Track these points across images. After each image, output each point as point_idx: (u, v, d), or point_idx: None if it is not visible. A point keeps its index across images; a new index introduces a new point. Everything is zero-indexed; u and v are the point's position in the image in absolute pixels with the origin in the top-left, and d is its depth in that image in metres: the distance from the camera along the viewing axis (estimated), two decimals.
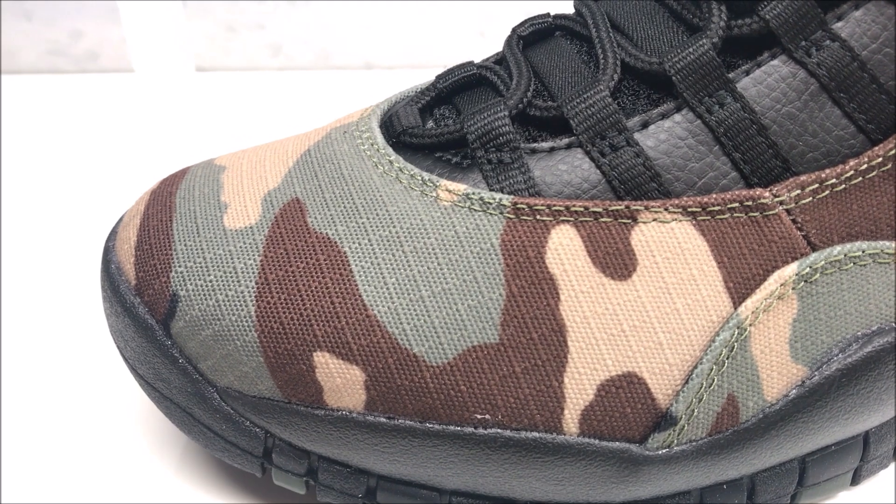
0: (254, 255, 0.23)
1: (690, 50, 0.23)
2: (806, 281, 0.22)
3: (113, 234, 0.26)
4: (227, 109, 0.52)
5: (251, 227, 0.24)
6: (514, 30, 0.27)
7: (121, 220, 0.26)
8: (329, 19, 0.54)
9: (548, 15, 0.27)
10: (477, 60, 0.27)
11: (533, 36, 0.27)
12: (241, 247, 0.23)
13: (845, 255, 0.23)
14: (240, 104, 0.53)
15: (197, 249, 0.24)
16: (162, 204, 0.25)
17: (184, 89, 0.54)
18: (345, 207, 0.23)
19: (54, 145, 0.48)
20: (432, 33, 0.54)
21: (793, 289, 0.22)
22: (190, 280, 0.23)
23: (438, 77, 0.26)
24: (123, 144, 0.49)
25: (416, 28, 0.54)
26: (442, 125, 0.25)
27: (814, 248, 0.23)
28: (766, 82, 0.23)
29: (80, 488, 0.27)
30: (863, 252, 0.23)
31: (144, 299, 0.24)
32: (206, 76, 0.55)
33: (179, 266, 0.23)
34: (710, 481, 0.23)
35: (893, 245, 0.23)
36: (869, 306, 0.23)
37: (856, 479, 0.25)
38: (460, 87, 0.26)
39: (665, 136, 0.23)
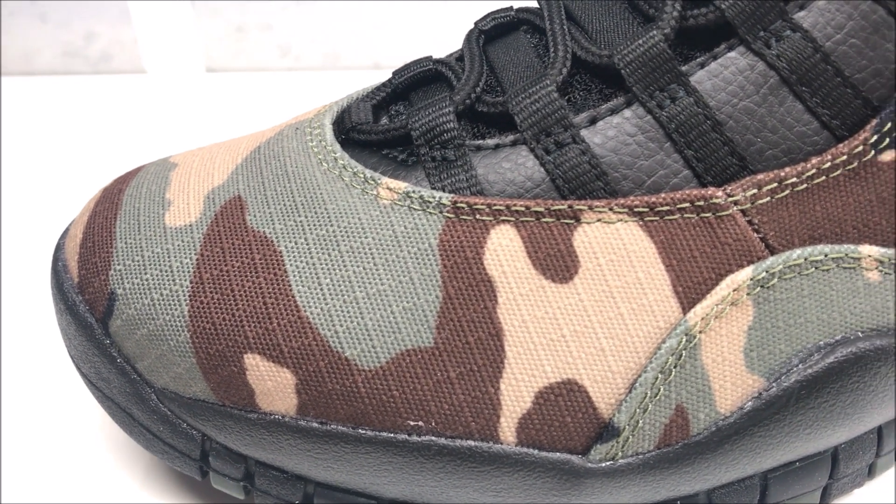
0: (190, 254, 0.23)
1: (640, 42, 0.21)
2: (762, 286, 0.21)
3: (65, 232, 0.26)
4: (237, 109, 0.52)
5: (191, 225, 0.23)
6: (475, 23, 0.26)
7: (75, 218, 0.26)
8: (337, 20, 0.54)
9: (510, 9, 0.26)
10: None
11: (496, 30, 0.26)
12: (178, 245, 0.23)
13: (806, 260, 0.21)
14: (249, 104, 0.53)
15: (136, 247, 0.23)
16: (110, 201, 0.25)
17: (195, 90, 0.55)
18: (284, 205, 0.23)
19: (70, 145, 0.49)
20: (440, 33, 0.53)
21: (748, 294, 0.21)
22: (127, 278, 0.23)
23: (395, 72, 0.26)
24: (136, 144, 0.49)
25: (424, 28, 0.54)
26: (391, 121, 0.24)
27: (772, 252, 0.21)
28: (723, 75, 0.21)
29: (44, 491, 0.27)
30: (825, 256, 0.21)
31: (85, 297, 0.23)
32: (216, 76, 0.55)
33: (118, 264, 0.23)
34: (661, 497, 0.22)
35: (859, 249, 0.21)
36: (832, 314, 0.21)
37: (825, 498, 0.24)
38: (416, 82, 0.25)
39: (613, 132, 0.22)
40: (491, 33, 0.26)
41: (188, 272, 0.22)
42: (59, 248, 0.25)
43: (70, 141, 0.49)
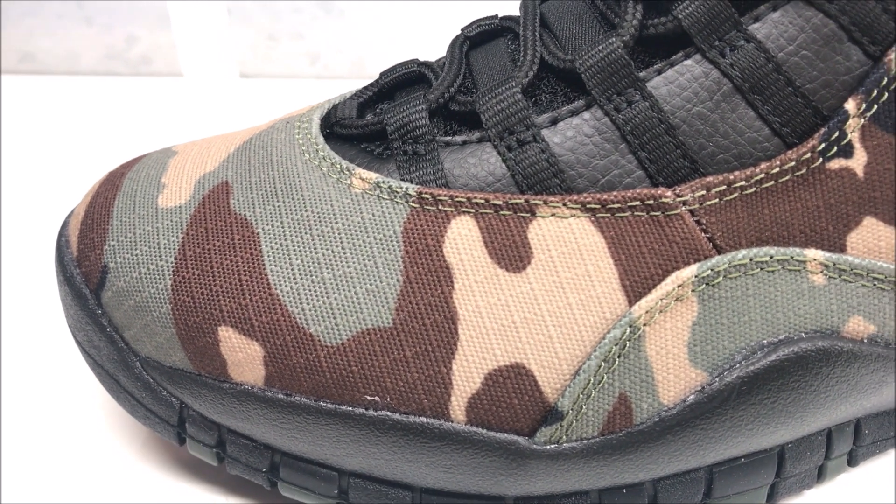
0: (177, 233, 0.24)
1: (600, 48, 0.23)
2: (708, 284, 0.22)
3: (72, 211, 0.28)
4: (268, 113, 0.54)
5: (180, 207, 0.25)
6: (462, 30, 0.27)
7: (82, 198, 0.28)
8: (364, 30, 0.56)
9: (495, 16, 0.27)
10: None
11: (481, 37, 0.27)
12: (167, 224, 0.25)
13: (751, 260, 0.22)
14: (280, 109, 0.55)
15: (129, 225, 0.25)
16: (112, 183, 0.27)
17: (229, 94, 0.57)
18: (265, 191, 0.24)
19: (108, 142, 0.51)
20: None
21: (692, 291, 0.22)
22: (119, 253, 0.25)
23: (382, 73, 0.27)
24: (171, 141, 0.51)
25: (449, 37, 0.55)
26: (367, 118, 0.25)
27: (719, 251, 0.22)
28: (678, 81, 0.22)
29: (42, 474, 0.29)
30: (771, 258, 0.22)
31: (82, 269, 0.25)
32: (249, 82, 0.58)
33: (112, 240, 0.25)
34: (607, 483, 0.23)
35: (805, 253, 0.22)
36: (776, 314, 0.22)
37: (772, 497, 0.24)
38: (401, 82, 0.27)
39: (572, 132, 0.23)
40: (476, 40, 0.27)
41: (174, 249, 0.24)
42: (65, 225, 0.27)
43: (109, 138, 0.52)
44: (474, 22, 0.27)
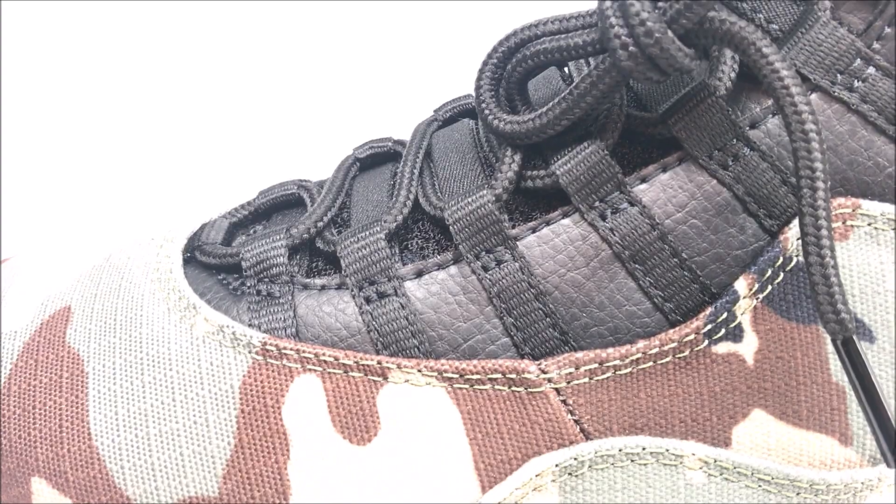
0: (7, 363, 0.22)
1: (470, 200, 0.20)
2: (570, 474, 0.19)
3: None
4: None
5: (16, 332, 0.23)
6: (353, 150, 0.25)
7: None
8: None
9: (389, 139, 0.25)
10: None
11: (372, 159, 0.25)
12: (2, 351, 0.22)
13: (620, 450, 0.20)
14: None
15: None
16: None
17: None
18: (105, 323, 0.22)
19: None
20: None
21: (553, 481, 0.19)
22: None
23: (261, 192, 0.25)
24: None
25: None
26: (226, 248, 0.23)
27: (587, 437, 0.20)
28: (553, 243, 0.20)
29: None
30: (643, 449, 0.20)
31: None
32: None
33: None
34: None
35: (683, 446, 0.20)
36: None
37: None
38: (279, 204, 0.25)
39: (437, 288, 0.21)
40: (367, 162, 0.25)
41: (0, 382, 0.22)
42: None
43: None
44: (366, 143, 0.25)
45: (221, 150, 0.40)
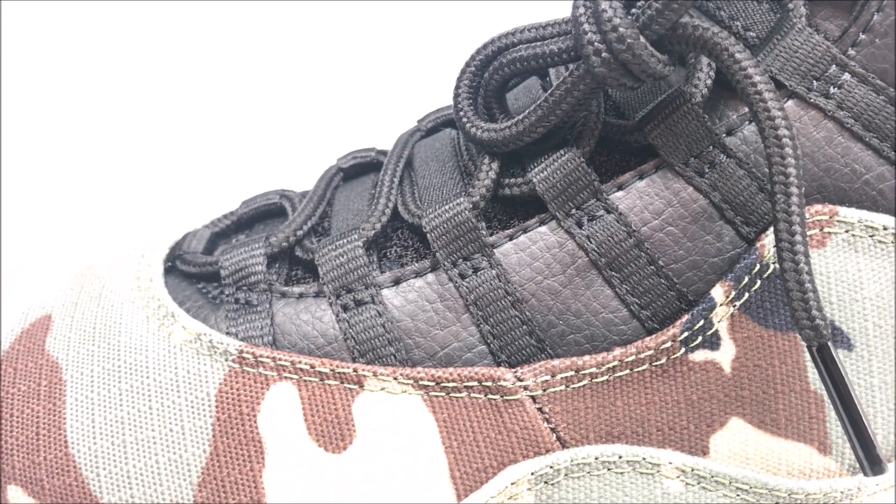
0: None
1: (447, 207, 0.20)
2: (546, 482, 0.19)
3: None
4: None
5: None
6: (337, 160, 0.25)
7: None
8: None
9: (372, 149, 0.25)
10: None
11: (355, 169, 0.25)
12: None
13: (597, 458, 0.19)
14: None
15: None
16: None
17: None
18: (84, 331, 0.22)
19: None
20: None
21: (528, 489, 0.19)
22: None
23: (244, 202, 0.25)
24: None
25: None
26: (206, 257, 0.23)
27: (563, 445, 0.20)
28: (530, 250, 0.20)
29: None
30: (620, 457, 0.19)
31: None
32: None
33: None
34: None
35: (660, 454, 0.20)
36: None
37: None
38: (262, 214, 0.25)
39: (414, 296, 0.21)
40: (350, 172, 0.25)
41: None
42: None
43: None
44: (349, 154, 0.25)
45: (208, 160, 0.40)
